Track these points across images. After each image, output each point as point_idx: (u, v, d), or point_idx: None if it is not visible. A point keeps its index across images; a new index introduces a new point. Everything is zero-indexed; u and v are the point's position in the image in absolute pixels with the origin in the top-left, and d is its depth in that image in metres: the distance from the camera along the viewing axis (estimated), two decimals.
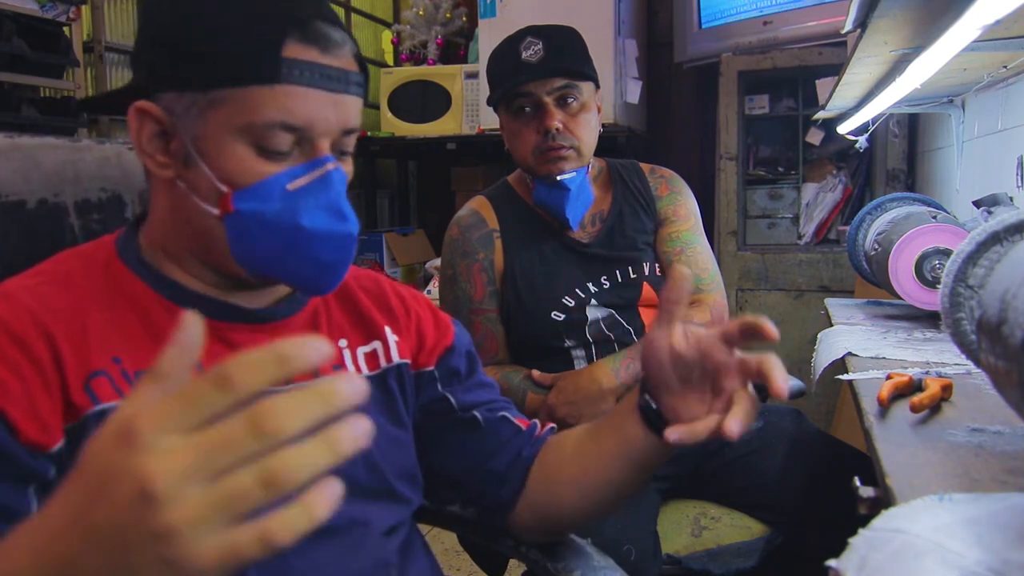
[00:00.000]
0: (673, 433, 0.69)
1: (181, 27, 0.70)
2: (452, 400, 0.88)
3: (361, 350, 0.83)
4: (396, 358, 0.85)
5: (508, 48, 1.35)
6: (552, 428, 0.92)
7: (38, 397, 0.63)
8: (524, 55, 1.32)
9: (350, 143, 0.74)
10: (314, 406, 0.37)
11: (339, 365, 0.81)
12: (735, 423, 0.65)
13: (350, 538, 0.76)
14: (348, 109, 0.71)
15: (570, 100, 1.33)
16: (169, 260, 0.75)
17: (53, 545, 0.40)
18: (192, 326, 0.39)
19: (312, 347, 0.37)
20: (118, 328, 0.70)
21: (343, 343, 0.82)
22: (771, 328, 0.64)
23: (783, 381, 0.63)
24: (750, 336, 0.66)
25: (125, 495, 0.37)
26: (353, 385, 0.38)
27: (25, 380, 0.63)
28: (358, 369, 0.82)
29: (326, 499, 0.37)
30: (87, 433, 0.64)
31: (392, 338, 0.85)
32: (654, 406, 0.75)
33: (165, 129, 0.71)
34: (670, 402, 0.73)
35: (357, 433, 0.37)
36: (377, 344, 0.84)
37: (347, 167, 0.74)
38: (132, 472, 0.36)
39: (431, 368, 0.88)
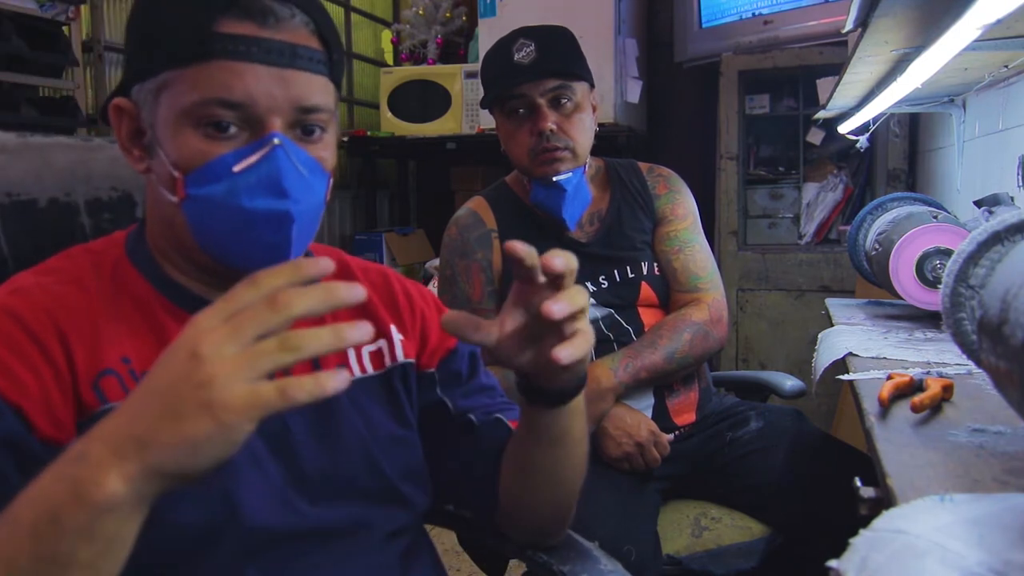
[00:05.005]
0: (559, 352, 0.64)
1: (136, 17, 0.71)
2: (449, 404, 0.87)
3: (366, 349, 0.82)
4: (401, 357, 0.84)
5: (500, 50, 1.34)
6: None
7: (53, 395, 0.64)
8: (516, 57, 1.31)
9: (318, 121, 0.71)
10: (317, 295, 0.51)
11: (343, 364, 0.80)
12: (562, 351, 0.63)
13: (351, 540, 0.76)
14: (300, 85, 0.68)
15: (564, 101, 1.33)
16: (163, 258, 0.75)
17: (125, 407, 0.53)
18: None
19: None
20: (127, 328, 0.70)
21: None
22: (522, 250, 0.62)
23: (554, 304, 0.61)
24: (519, 265, 0.63)
25: (180, 359, 0.51)
26: (352, 290, 0.52)
27: (41, 378, 0.64)
28: (362, 368, 0.81)
29: (335, 379, 0.50)
30: None
31: (397, 337, 0.84)
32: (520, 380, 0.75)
33: (139, 125, 0.71)
34: (533, 371, 0.71)
35: (361, 333, 0.51)
36: (383, 343, 0.84)
37: (321, 150, 0.71)
38: (186, 343, 0.51)
39: (432, 370, 0.87)
